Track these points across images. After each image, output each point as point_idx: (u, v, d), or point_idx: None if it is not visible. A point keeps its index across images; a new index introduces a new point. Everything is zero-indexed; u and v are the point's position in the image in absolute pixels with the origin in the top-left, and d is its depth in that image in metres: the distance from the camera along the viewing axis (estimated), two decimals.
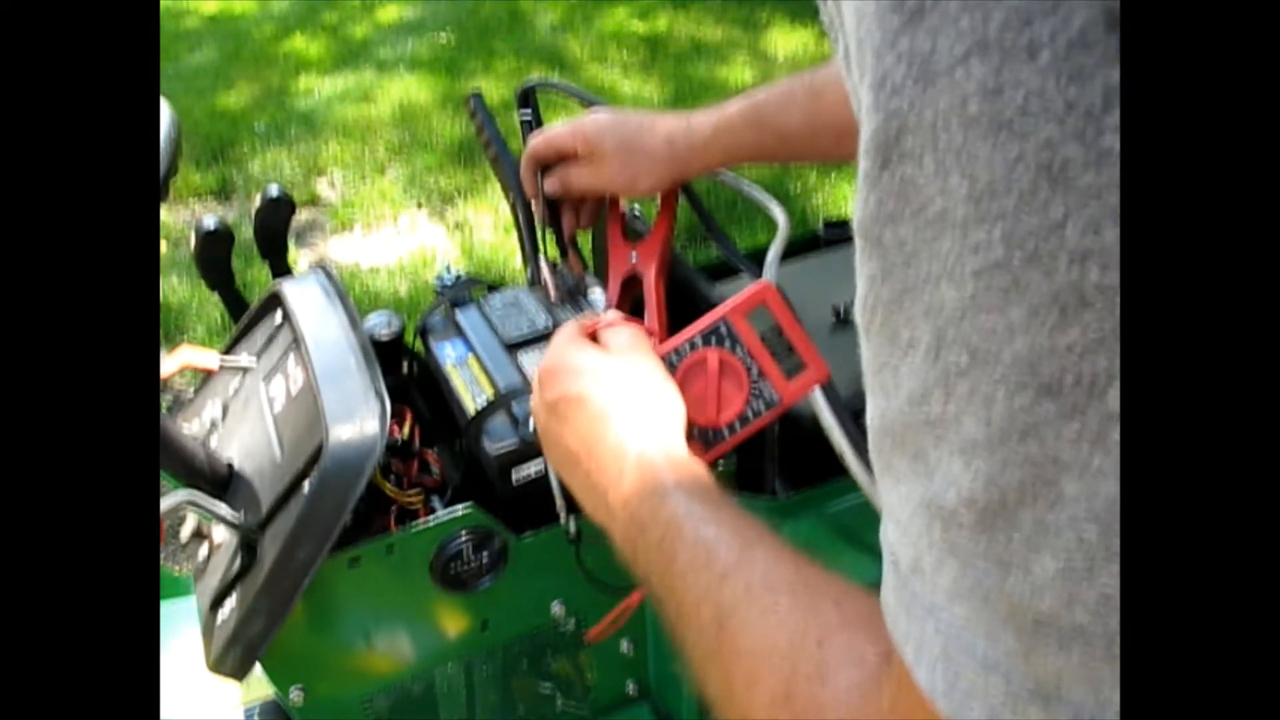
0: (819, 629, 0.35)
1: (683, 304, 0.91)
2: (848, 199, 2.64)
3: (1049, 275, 0.19)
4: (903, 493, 0.25)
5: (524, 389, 0.81)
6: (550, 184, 0.89)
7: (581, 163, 0.87)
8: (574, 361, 0.57)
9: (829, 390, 0.69)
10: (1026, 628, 0.21)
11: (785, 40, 3.69)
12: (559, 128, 0.88)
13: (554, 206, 0.92)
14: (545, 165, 0.90)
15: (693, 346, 0.64)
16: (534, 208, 0.92)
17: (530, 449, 0.78)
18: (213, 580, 0.75)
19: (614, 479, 0.50)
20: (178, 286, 2.53)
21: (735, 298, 0.65)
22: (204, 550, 0.79)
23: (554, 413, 0.56)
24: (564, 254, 0.94)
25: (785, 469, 0.86)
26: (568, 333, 0.62)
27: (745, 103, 0.83)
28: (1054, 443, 0.20)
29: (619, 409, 0.53)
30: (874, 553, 0.91)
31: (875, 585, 0.91)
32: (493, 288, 0.95)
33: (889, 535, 0.27)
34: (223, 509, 0.70)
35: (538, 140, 0.88)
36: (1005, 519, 0.21)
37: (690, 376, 0.63)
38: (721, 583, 0.40)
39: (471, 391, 0.83)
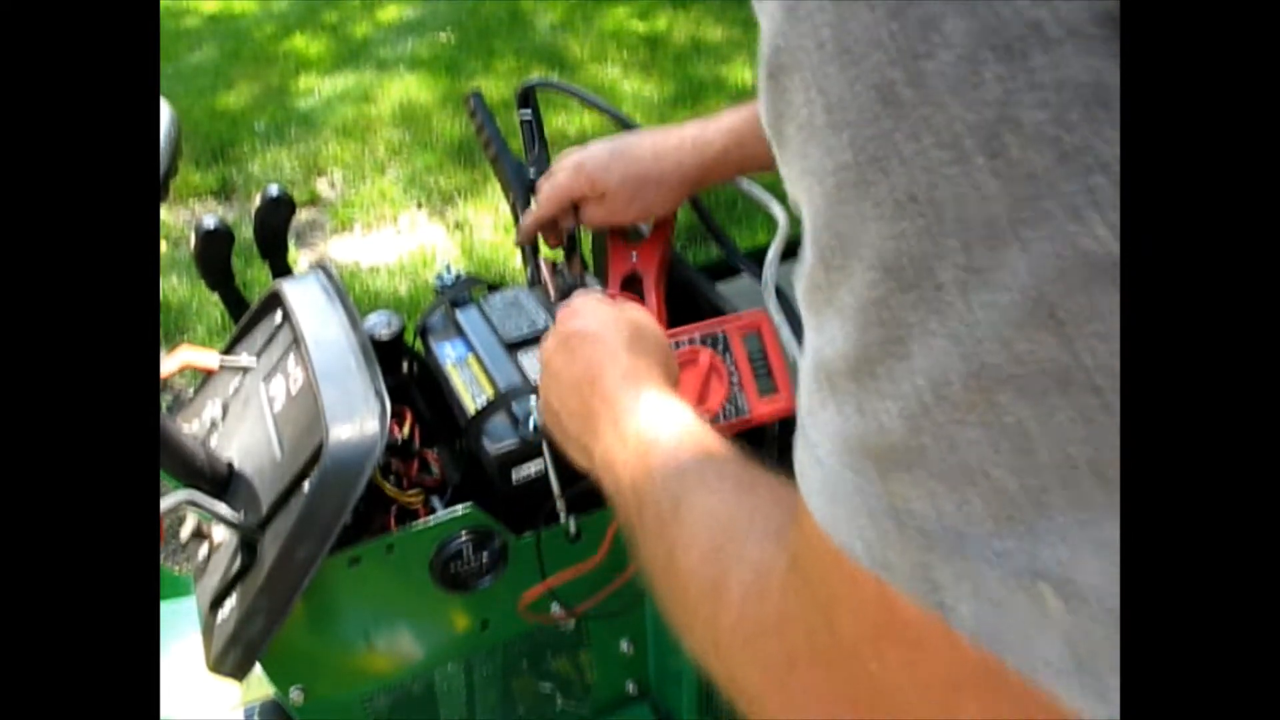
0: (752, 505, 0.40)
1: (683, 304, 0.91)
2: None
3: (885, 175, 0.23)
4: (807, 344, 0.29)
5: (524, 389, 0.81)
6: (567, 229, 0.89)
7: (591, 202, 0.85)
8: (597, 308, 0.61)
9: None
10: (881, 457, 0.26)
11: None
12: (559, 180, 0.86)
13: (572, 238, 0.92)
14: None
15: (691, 342, 0.71)
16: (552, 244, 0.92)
17: (530, 449, 0.78)
18: (213, 580, 0.75)
19: (610, 405, 0.53)
20: (178, 286, 2.53)
21: (737, 315, 0.73)
22: (204, 550, 0.79)
23: (565, 344, 0.60)
24: (569, 256, 0.93)
25: (786, 468, 0.86)
26: (589, 293, 0.66)
27: (756, 119, 0.82)
28: (899, 310, 0.24)
29: (631, 353, 0.57)
30: None
31: None
32: (493, 287, 0.95)
33: (799, 380, 0.31)
34: (223, 509, 0.70)
35: (544, 204, 0.86)
36: (866, 372, 0.26)
37: (681, 366, 0.67)
38: (681, 478, 0.45)
39: (471, 391, 0.83)
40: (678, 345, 0.69)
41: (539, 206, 0.88)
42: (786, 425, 0.83)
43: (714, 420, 0.68)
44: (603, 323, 0.60)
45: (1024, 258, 0.21)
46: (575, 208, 0.88)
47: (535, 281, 0.93)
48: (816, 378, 0.28)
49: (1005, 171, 0.21)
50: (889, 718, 0.30)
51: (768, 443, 0.83)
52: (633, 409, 0.52)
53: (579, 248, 0.95)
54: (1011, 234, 0.21)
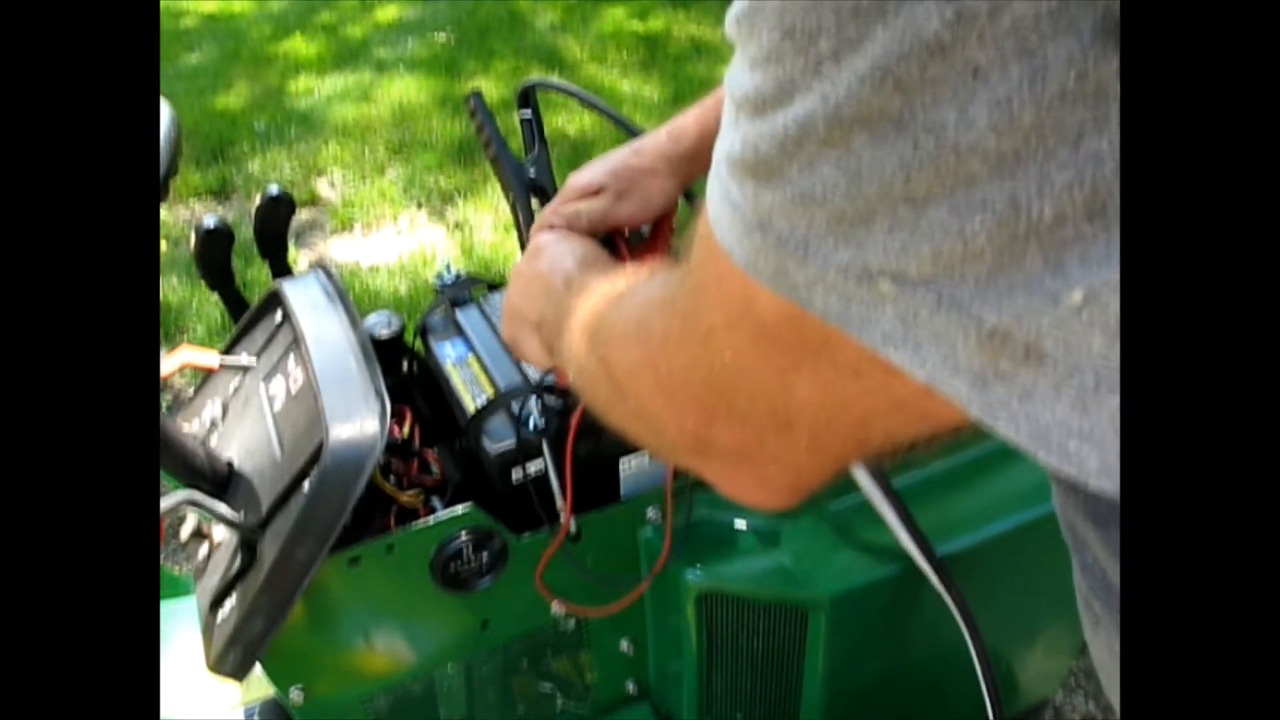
0: (666, 268, 0.47)
1: None
2: None
3: None
4: (727, 74, 0.34)
5: (524, 388, 0.81)
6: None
7: (593, 200, 0.85)
8: (572, 235, 0.72)
9: None
10: (756, 178, 0.31)
11: None
12: (551, 205, 0.83)
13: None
14: None
15: None
16: None
17: (530, 449, 0.78)
18: (213, 580, 0.75)
19: (565, 270, 0.64)
20: (178, 286, 2.53)
21: None
22: (204, 550, 0.79)
23: (531, 253, 0.70)
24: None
25: None
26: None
27: (717, 100, 0.83)
28: (789, 69, 0.28)
29: (587, 247, 0.69)
30: (873, 553, 0.91)
31: (873, 585, 0.91)
32: (493, 287, 0.95)
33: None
34: (223, 508, 0.70)
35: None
36: (759, 110, 0.30)
37: None
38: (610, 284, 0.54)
39: (471, 391, 0.83)
40: None
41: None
42: None
43: None
44: (571, 237, 0.71)
45: (883, 36, 0.26)
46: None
47: None
48: (729, 105, 0.33)
49: None
50: (733, 393, 0.38)
51: None
52: (586, 272, 0.60)
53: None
54: (875, 15, 0.26)
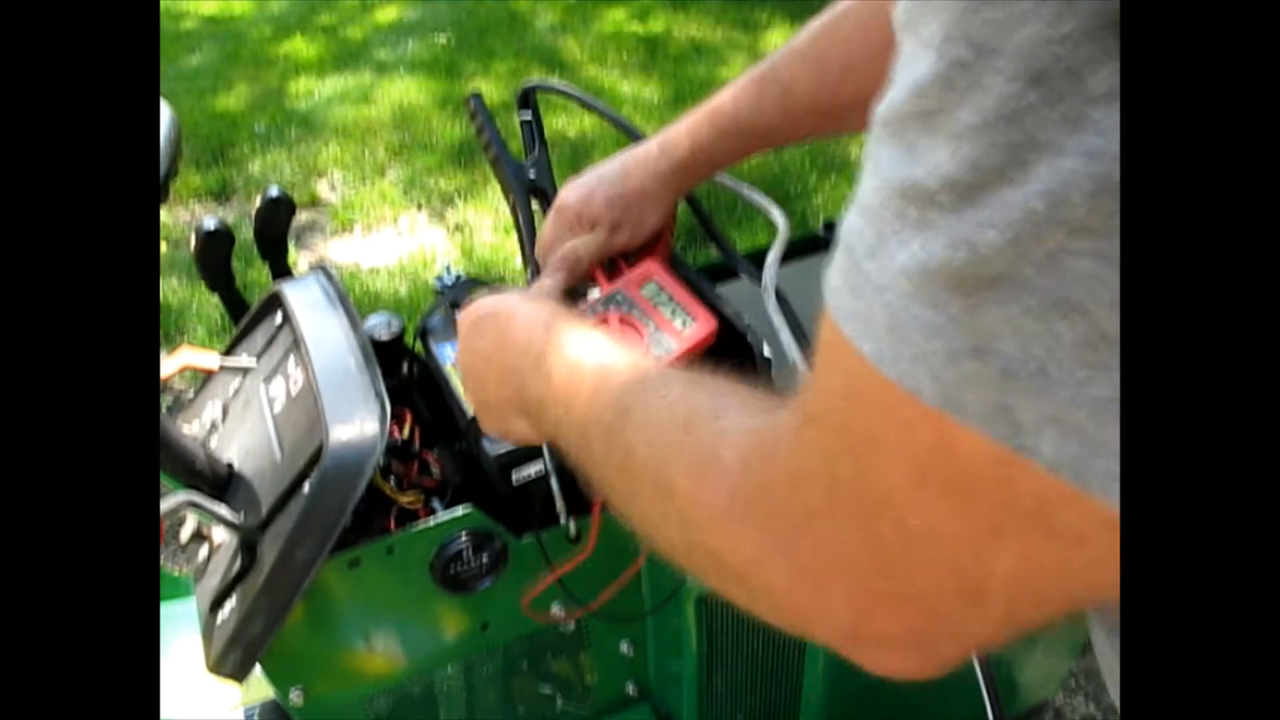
0: (712, 392, 0.40)
1: None
2: (847, 200, 2.63)
3: None
4: (879, 181, 0.27)
5: None
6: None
7: (590, 236, 0.83)
8: (492, 297, 0.64)
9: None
10: (971, 290, 0.24)
11: (785, 40, 3.67)
12: (546, 236, 0.83)
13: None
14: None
15: (593, 311, 0.75)
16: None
17: (530, 450, 0.78)
18: (213, 581, 0.75)
19: (532, 354, 0.54)
20: (178, 287, 2.53)
21: (628, 274, 0.79)
22: (204, 551, 0.79)
23: (475, 327, 0.62)
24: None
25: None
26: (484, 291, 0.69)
27: (715, 113, 0.81)
28: (1034, 127, 0.22)
29: (533, 308, 0.59)
30: None
31: None
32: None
33: (850, 223, 0.29)
34: (223, 510, 0.70)
35: (549, 269, 0.82)
36: (972, 198, 0.24)
37: None
38: (623, 391, 0.44)
39: None
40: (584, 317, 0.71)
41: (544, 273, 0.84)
42: None
43: None
44: (502, 300, 0.62)
45: None
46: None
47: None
48: (901, 214, 0.26)
49: None
50: (910, 569, 0.30)
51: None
52: (558, 351, 0.52)
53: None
54: None
